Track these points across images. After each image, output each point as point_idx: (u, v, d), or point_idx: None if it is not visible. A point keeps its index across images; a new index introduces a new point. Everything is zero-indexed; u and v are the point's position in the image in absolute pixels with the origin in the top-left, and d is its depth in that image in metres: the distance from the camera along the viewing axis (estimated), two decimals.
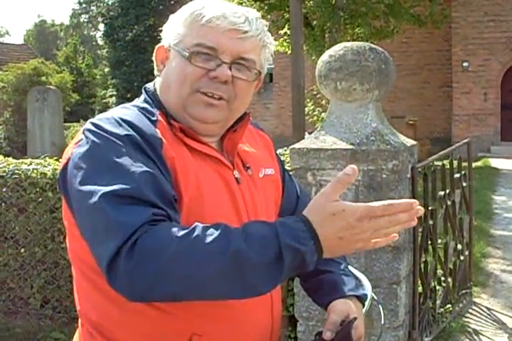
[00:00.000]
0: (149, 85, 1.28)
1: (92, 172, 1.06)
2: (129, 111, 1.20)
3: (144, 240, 0.98)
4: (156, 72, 1.27)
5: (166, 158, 1.12)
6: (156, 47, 1.26)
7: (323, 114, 8.69)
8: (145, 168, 1.06)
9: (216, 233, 0.98)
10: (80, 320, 1.25)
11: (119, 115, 1.16)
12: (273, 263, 0.97)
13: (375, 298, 1.46)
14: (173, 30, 1.22)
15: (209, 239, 0.98)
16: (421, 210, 1.02)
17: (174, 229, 0.99)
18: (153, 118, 1.18)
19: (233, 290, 1.00)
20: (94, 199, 1.02)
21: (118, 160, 1.06)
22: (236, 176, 1.24)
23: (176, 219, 1.06)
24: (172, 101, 1.21)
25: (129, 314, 1.14)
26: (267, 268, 0.97)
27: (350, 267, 1.43)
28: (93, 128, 1.13)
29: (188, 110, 1.20)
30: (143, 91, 1.28)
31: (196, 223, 1.02)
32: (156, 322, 1.13)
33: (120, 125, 1.12)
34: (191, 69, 1.17)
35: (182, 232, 0.98)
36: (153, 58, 1.27)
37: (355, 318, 1.22)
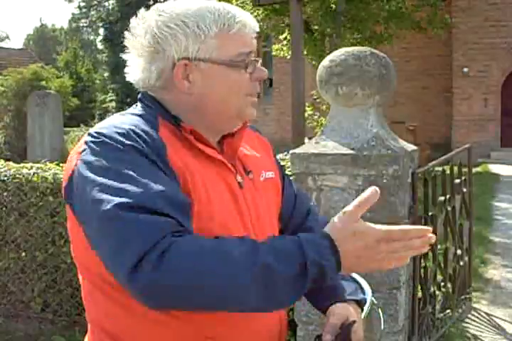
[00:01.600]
0: (143, 93, 1.25)
1: (103, 182, 1.04)
2: (127, 118, 1.18)
3: (173, 252, 0.97)
4: (181, 92, 1.19)
5: (171, 164, 1.12)
6: (177, 65, 1.17)
7: (321, 119, 8.71)
8: (157, 178, 1.06)
9: (244, 246, 1.01)
10: (89, 326, 1.25)
11: (118, 123, 1.14)
12: (298, 276, 1.01)
13: (375, 302, 1.46)
14: (191, 42, 1.16)
15: (238, 253, 1.00)
16: (433, 238, 1.07)
17: (202, 243, 1.01)
18: (154, 124, 1.17)
19: (260, 303, 1.03)
20: (108, 207, 1.00)
21: (127, 170, 1.05)
22: (239, 180, 1.24)
23: (190, 227, 1.07)
24: (227, 113, 1.23)
25: (138, 319, 1.14)
26: (292, 281, 1.01)
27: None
28: (96, 138, 1.11)
29: (241, 115, 1.25)
30: (141, 97, 1.25)
31: (220, 236, 1.06)
32: (167, 326, 1.13)
33: (122, 134, 1.10)
34: (244, 77, 1.21)
35: (211, 245, 1.00)
36: (174, 78, 1.18)
37: (354, 321, 1.23)
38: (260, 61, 1.24)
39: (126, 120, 1.17)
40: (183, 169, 1.13)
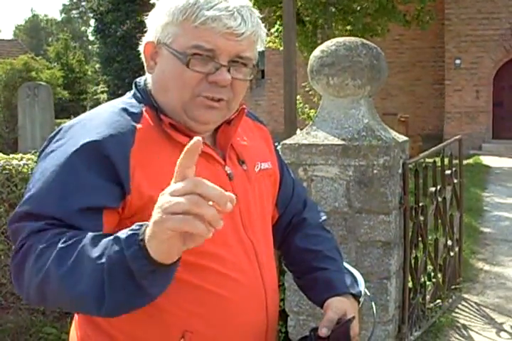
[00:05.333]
0: (140, 80, 1.26)
1: (31, 182, 1.11)
2: (110, 108, 1.18)
3: (25, 246, 1.03)
4: (147, 69, 1.22)
5: (133, 159, 1.10)
6: (144, 42, 1.21)
7: (312, 111, 8.71)
8: (80, 188, 1.07)
9: (54, 250, 0.99)
10: (75, 316, 1.25)
11: (95, 117, 1.15)
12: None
13: (368, 294, 1.46)
14: (162, 25, 1.16)
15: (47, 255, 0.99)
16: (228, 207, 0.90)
17: (41, 239, 1.02)
18: (137, 115, 1.16)
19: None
20: (16, 211, 1.10)
21: (52, 175, 1.08)
22: (228, 172, 1.22)
23: (94, 228, 1.05)
24: (171, 103, 1.18)
25: None
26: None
27: (344, 262, 1.42)
28: (58, 135, 1.15)
29: (189, 113, 1.17)
30: (133, 85, 1.26)
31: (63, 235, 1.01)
32: (148, 318, 1.13)
33: (88, 130, 1.11)
34: (190, 75, 1.14)
35: (42, 245, 1.01)
36: (142, 54, 1.22)
37: (353, 317, 1.21)
38: (225, 68, 1.13)
39: (107, 111, 1.17)
40: (140, 168, 1.11)
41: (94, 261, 0.95)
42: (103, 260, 0.94)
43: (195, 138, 0.88)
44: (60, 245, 0.98)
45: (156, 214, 0.88)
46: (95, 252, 0.95)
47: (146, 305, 0.99)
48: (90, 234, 0.99)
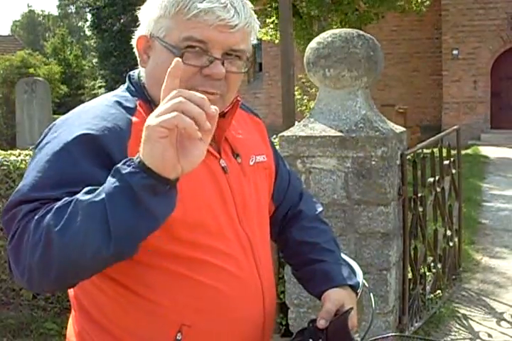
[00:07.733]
0: (133, 73, 1.25)
1: (26, 172, 1.09)
2: (104, 102, 1.18)
3: (21, 226, 1.00)
4: (140, 63, 1.21)
5: (130, 151, 1.08)
6: (136, 36, 1.19)
7: (310, 102, 8.71)
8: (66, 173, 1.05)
9: (53, 209, 0.97)
10: (73, 312, 1.25)
11: (90, 110, 1.14)
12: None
13: (367, 285, 1.46)
14: (155, 19, 1.15)
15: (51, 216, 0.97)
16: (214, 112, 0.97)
17: (38, 213, 0.99)
18: (131, 108, 1.16)
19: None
20: (11, 199, 1.07)
21: (47, 164, 1.06)
22: (223, 165, 1.22)
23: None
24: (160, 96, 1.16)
25: (116, 302, 1.14)
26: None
27: (341, 254, 1.42)
28: (54, 128, 1.14)
29: None
30: (127, 79, 1.25)
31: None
32: (144, 311, 1.13)
33: (84, 123, 1.10)
34: (183, 68, 1.10)
35: (40, 214, 0.99)
36: (135, 48, 1.21)
37: (351, 309, 1.21)
38: (219, 61, 1.13)
39: (101, 104, 1.17)
40: None
41: (93, 198, 0.95)
42: (102, 195, 0.95)
43: (176, 59, 0.97)
44: (55, 206, 0.97)
45: (147, 122, 0.95)
46: (92, 195, 0.96)
47: (154, 231, 0.98)
48: (85, 189, 0.98)
